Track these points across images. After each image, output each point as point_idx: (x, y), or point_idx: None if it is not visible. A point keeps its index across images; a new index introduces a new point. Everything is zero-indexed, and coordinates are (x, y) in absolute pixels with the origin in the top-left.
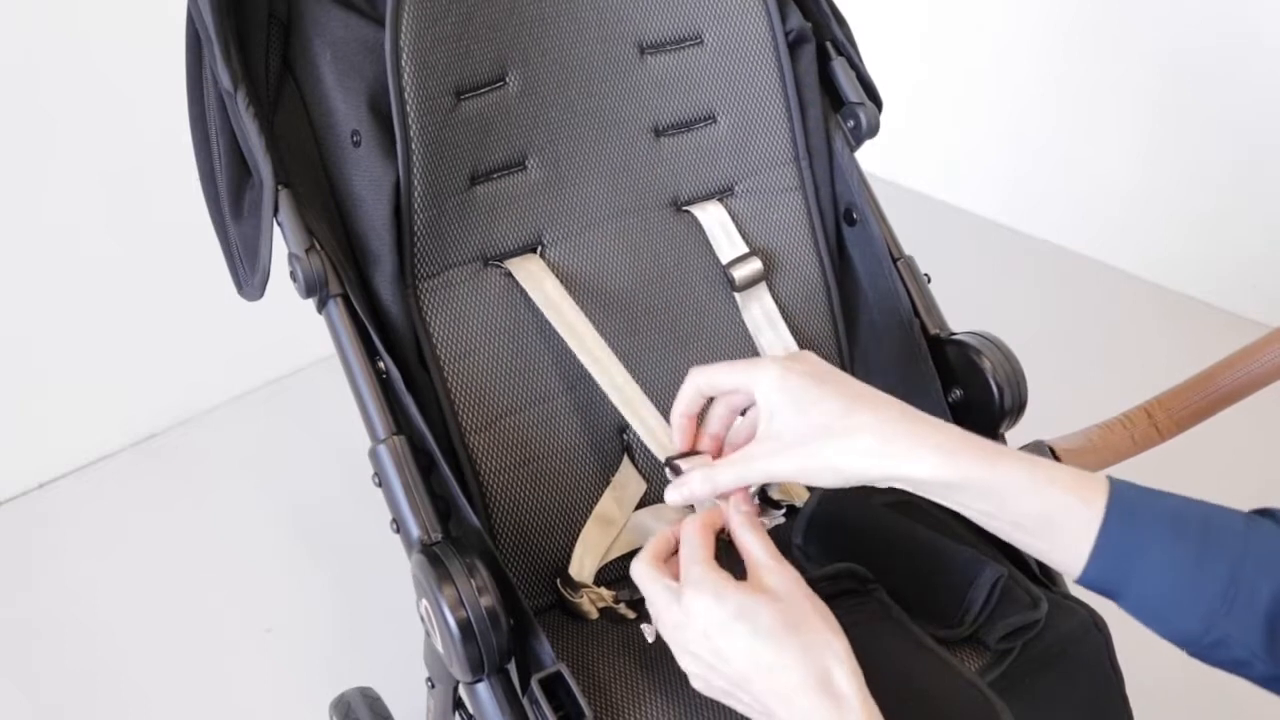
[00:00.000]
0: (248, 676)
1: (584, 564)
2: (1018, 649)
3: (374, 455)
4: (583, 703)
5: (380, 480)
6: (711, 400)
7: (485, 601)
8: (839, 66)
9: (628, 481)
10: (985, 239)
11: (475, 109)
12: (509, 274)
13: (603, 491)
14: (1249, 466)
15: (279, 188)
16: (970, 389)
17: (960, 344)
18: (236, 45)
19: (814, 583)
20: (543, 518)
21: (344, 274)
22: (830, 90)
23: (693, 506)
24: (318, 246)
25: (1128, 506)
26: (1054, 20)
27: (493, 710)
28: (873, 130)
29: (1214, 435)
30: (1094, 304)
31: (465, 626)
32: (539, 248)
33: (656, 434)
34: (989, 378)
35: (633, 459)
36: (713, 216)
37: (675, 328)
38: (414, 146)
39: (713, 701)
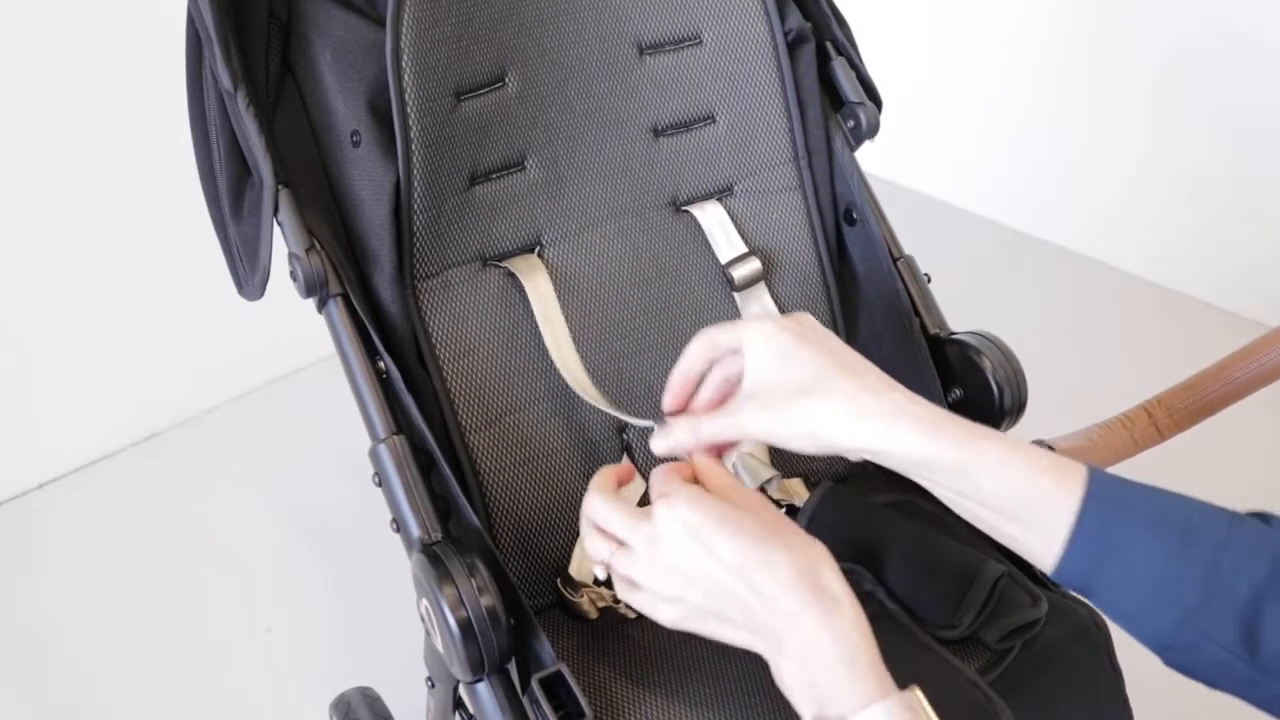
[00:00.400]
0: (248, 676)
1: (584, 563)
2: (1018, 648)
3: (374, 455)
4: (583, 702)
5: (380, 480)
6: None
7: (485, 601)
8: (839, 66)
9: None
10: (985, 239)
11: (475, 109)
12: (508, 274)
13: None
14: (1249, 466)
15: (279, 187)
16: (970, 388)
17: (960, 343)
18: (236, 45)
19: None
20: (543, 517)
21: (344, 274)
22: (830, 90)
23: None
24: (318, 246)
25: (1107, 495)
26: (1054, 20)
27: (493, 710)
28: (873, 130)
29: (1214, 435)
30: (1094, 304)
31: (465, 626)
32: (538, 248)
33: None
34: (989, 377)
35: (632, 458)
36: (712, 216)
37: (674, 327)
38: (414, 147)
39: (714, 700)
